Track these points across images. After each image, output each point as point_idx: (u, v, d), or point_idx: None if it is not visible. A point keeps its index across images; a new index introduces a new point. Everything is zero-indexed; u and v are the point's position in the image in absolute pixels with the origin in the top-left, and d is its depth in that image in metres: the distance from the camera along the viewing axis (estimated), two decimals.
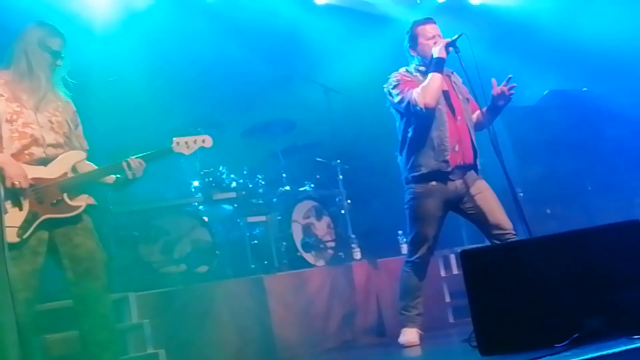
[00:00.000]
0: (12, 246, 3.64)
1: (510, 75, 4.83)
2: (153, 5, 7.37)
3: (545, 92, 8.01)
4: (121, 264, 5.85)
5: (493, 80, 4.89)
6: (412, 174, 4.97)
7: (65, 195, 3.92)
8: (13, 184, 3.72)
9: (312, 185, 7.31)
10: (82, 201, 4.00)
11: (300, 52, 8.17)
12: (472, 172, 4.99)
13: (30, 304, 3.79)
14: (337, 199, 7.36)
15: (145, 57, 7.07)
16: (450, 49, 4.83)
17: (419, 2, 8.78)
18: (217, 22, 7.74)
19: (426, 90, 4.76)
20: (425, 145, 4.89)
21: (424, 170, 4.90)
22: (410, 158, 4.97)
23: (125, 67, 6.82)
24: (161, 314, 5.34)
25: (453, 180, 4.91)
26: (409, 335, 5.03)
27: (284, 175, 7.26)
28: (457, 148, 4.88)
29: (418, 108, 4.76)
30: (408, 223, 5.06)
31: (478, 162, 5.01)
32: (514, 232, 4.84)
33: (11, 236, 3.67)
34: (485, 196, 4.93)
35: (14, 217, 3.74)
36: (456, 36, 4.84)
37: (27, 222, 3.76)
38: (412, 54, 5.09)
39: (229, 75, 7.85)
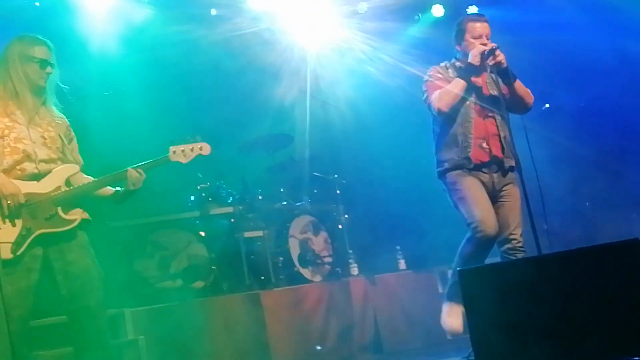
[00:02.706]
0: (6, 263, 3.60)
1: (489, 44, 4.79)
2: (151, 17, 7.34)
3: (543, 107, 7.96)
4: (117, 280, 5.80)
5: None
6: (438, 169, 4.97)
7: (59, 209, 3.87)
8: (8, 203, 3.68)
9: (310, 200, 7.28)
10: (77, 215, 3.94)
11: (298, 67, 8.15)
12: (509, 173, 4.89)
13: (24, 321, 3.75)
14: (334, 214, 7.32)
15: (143, 70, 7.05)
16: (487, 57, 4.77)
17: (417, 18, 8.75)
18: (218, 34, 7.73)
19: (443, 95, 4.78)
20: (450, 141, 4.88)
21: (447, 165, 4.88)
22: (437, 154, 4.99)
23: (124, 80, 6.81)
24: (157, 330, 5.32)
25: (485, 172, 4.84)
26: (454, 318, 4.73)
27: (281, 189, 7.23)
28: (485, 144, 4.84)
29: (433, 111, 4.82)
30: (460, 211, 4.82)
31: (512, 162, 4.81)
32: (524, 250, 4.80)
33: (5, 252, 3.62)
34: (512, 207, 4.86)
35: (8, 233, 3.69)
36: (492, 46, 4.78)
37: (21, 238, 3.72)
38: (456, 48, 5.06)
39: (227, 88, 7.83)
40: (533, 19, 8.38)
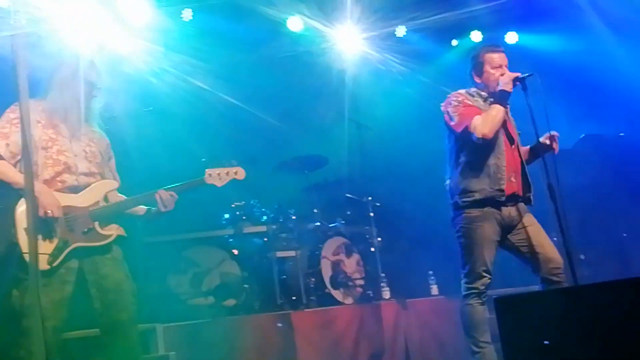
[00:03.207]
0: (42, 274, 3.62)
1: (554, 133, 4.78)
2: (190, 37, 7.42)
3: (581, 136, 7.88)
4: (149, 295, 5.85)
5: (554, 133, 4.81)
6: (463, 199, 4.80)
7: (96, 224, 3.93)
8: (46, 213, 3.74)
9: (343, 222, 7.28)
10: (113, 230, 4.00)
11: (335, 89, 8.18)
12: (523, 204, 4.87)
13: (58, 333, 3.80)
14: (367, 237, 7.29)
15: (180, 89, 7.13)
16: (518, 83, 4.73)
17: (455, 44, 8.75)
18: (255, 55, 7.79)
19: (487, 120, 4.65)
20: (481, 171, 4.75)
21: (477, 196, 4.73)
22: (462, 183, 4.82)
23: (161, 99, 6.89)
24: (188, 346, 5.33)
25: (507, 206, 4.78)
26: None
27: (315, 210, 7.24)
28: (513, 178, 4.78)
29: (475, 137, 4.65)
30: (462, 253, 4.80)
31: (531, 196, 4.89)
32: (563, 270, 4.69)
33: (42, 264, 3.66)
34: (537, 230, 4.80)
35: (45, 244, 3.74)
36: (527, 74, 4.72)
37: (57, 250, 3.77)
38: (475, 80, 4.98)
39: (265, 109, 7.88)
40: (571, 45, 8.35)
